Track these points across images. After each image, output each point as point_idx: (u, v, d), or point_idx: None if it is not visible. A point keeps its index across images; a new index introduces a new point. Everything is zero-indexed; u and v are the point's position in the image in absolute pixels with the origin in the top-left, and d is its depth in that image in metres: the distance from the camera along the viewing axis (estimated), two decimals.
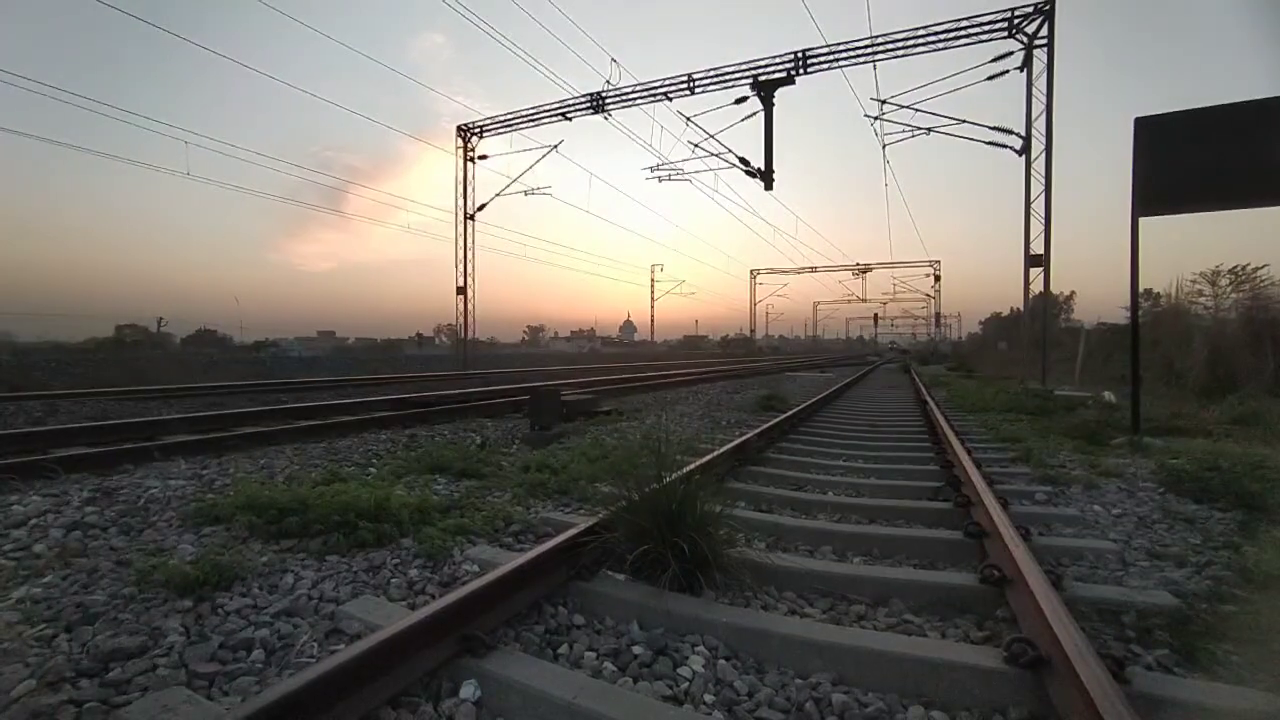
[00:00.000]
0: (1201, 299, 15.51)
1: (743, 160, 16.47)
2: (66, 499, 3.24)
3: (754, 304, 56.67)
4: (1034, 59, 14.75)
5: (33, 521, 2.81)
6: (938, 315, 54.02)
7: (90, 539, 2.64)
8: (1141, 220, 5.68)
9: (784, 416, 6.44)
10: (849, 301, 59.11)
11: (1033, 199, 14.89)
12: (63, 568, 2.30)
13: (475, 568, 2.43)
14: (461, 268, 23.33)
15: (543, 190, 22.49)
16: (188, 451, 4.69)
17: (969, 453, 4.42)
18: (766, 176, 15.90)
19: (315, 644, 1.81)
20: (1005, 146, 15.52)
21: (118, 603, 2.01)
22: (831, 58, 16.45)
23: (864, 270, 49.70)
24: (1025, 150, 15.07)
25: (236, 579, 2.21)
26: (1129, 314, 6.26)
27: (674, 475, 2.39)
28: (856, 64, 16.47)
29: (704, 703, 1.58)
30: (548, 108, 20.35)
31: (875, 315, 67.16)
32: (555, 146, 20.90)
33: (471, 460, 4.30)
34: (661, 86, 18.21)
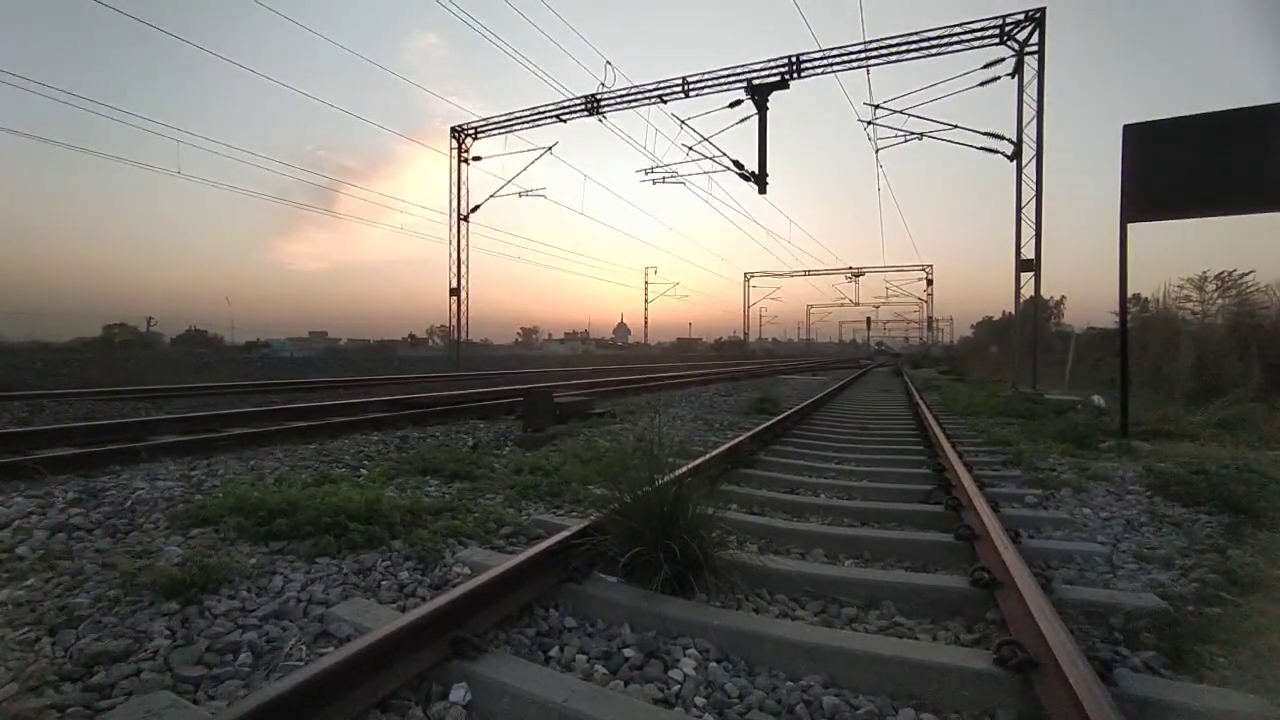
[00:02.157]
0: (1189, 304, 15.78)
1: (737, 163, 16.52)
2: (51, 500, 3.19)
3: (747, 307, 56.91)
4: (1025, 65, 14.91)
5: (16, 523, 2.77)
6: (930, 319, 54.45)
7: (75, 541, 2.61)
8: (1130, 226, 5.74)
9: (777, 419, 6.45)
10: (842, 305, 59.54)
11: (1024, 204, 15.04)
12: (46, 570, 2.26)
13: (466, 570, 2.41)
14: (455, 269, 23.30)
15: (537, 192, 22.51)
16: (176, 453, 4.64)
17: (960, 456, 4.45)
18: (760, 180, 15.96)
19: (304, 647, 1.79)
20: (997, 152, 15.66)
21: (102, 605, 1.98)
22: (825, 62, 16.57)
23: (857, 274, 50.03)
24: (1016, 156, 15.21)
25: (224, 581, 2.19)
26: (1118, 319, 6.33)
27: (666, 477, 2.39)
28: (850, 69, 16.62)
29: (695, 705, 1.58)
30: (542, 109, 20.37)
31: (868, 319, 67.52)
32: (550, 148, 20.92)
33: (464, 462, 4.28)
34: (656, 89, 18.27)
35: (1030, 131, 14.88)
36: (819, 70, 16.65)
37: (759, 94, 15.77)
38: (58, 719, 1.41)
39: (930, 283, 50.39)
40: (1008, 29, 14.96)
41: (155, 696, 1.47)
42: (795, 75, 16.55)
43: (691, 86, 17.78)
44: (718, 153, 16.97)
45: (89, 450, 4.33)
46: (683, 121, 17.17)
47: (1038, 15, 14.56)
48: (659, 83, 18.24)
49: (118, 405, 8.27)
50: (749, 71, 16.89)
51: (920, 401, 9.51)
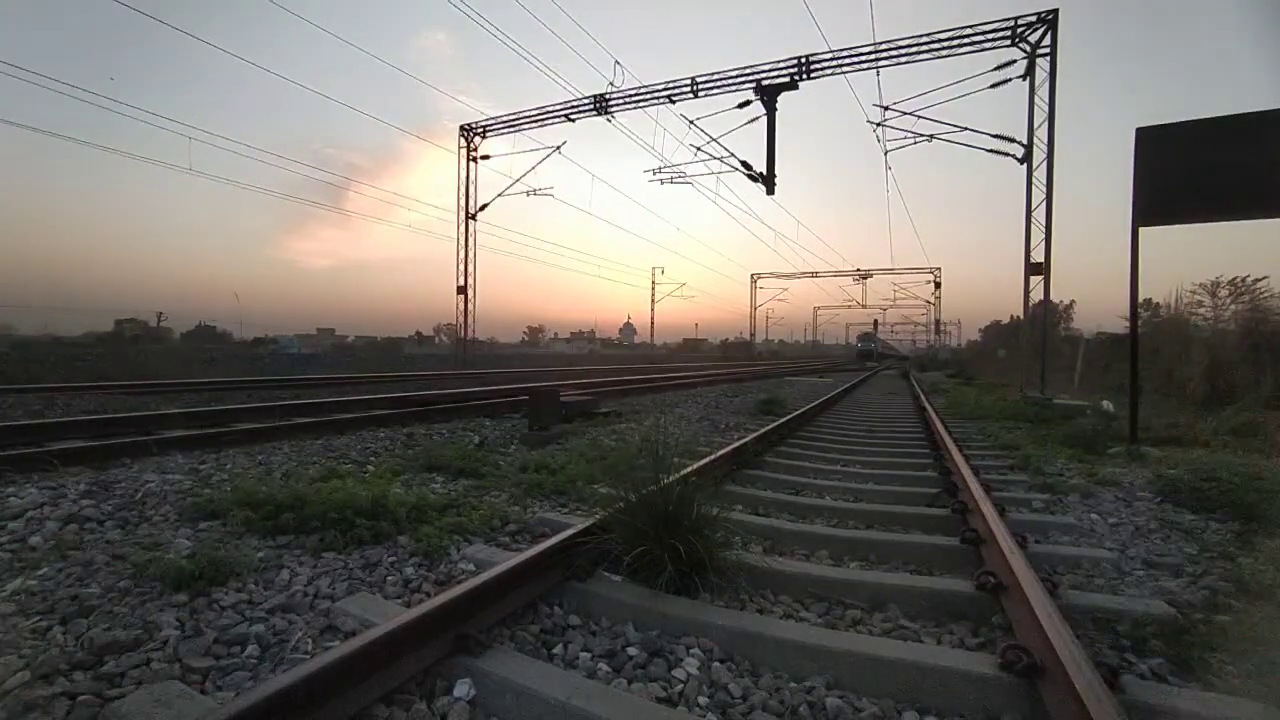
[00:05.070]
0: (1201, 310, 15.58)
1: (745, 164, 16.49)
2: (63, 492, 3.23)
3: (754, 308, 56.61)
4: (1036, 68, 14.76)
5: (29, 514, 2.81)
6: (938, 322, 54.04)
7: (86, 532, 2.64)
8: (1141, 230, 5.69)
9: (782, 421, 6.44)
10: (849, 307, 59.19)
11: (1034, 207, 14.90)
12: (58, 560, 2.30)
13: (471, 566, 2.42)
14: (462, 267, 23.33)
15: (545, 191, 22.52)
16: (185, 446, 4.68)
17: (967, 459, 4.42)
18: (768, 181, 15.92)
19: (310, 640, 1.81)
20: (1007, 155, 15.53)
21: (113, 596, 2.01)
22: (835, 63, 16.49)
23: (864, 276, 49.73)
24: (1027, 159, 15.07)
25: (232, 574, 2.21)
26: (1128, 324, 6.28)
27: (671, 477, 2.39)
28: (859, 70, 16.50)
29: (698, 705, 1.58)
30: (551, 109, 20.37)
31: (875, 321, 67.14)
32: (558, 147, 20.94)
33: (469, 459, 4.29)
34: (665, 89, 18.24)
35: (1041, 134, 14.73)
36: (828, 71, 16.57)
37: (768, 94, 15.74)
38: (68, 707, 1.43)
39: (938, 285, 49.99)
40: (1019, 31, 14.83)
41: (164, 686, 1.49)
42: (804, 76, 16.48)
43: (700, 87, 17.74)
44: (726, 153, 16.94)
45: (100, 443, 4.38)
46: (691, 122, 17.18)
47: (1050, 17, 14.42)
48: (668, 83, 18.20)
49: (128, 399, 8.35)
50: (758, 72, 16.83)
51: (927, 405, 9.46)
